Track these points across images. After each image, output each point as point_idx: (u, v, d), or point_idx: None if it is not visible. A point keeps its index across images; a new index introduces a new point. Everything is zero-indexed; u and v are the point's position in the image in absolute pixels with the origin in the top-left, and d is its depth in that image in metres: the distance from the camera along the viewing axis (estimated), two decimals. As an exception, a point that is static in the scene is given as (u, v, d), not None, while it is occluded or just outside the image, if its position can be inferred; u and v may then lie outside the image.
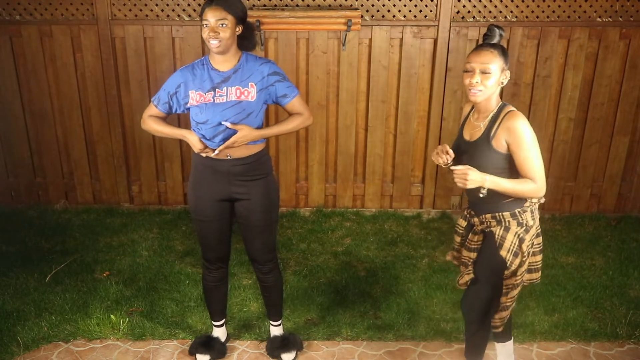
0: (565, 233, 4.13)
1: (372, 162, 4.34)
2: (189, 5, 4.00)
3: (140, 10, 4.03)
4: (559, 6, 3.95)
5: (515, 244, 2.20)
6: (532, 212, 2.24)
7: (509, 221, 2.21)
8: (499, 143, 2.14)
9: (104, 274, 3.53)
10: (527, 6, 3.95)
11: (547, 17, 3.98)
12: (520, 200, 2.21)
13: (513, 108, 2.18)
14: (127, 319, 3.06)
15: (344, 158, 4.33)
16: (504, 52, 2.13)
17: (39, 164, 4.42)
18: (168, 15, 4.03)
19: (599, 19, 3.97)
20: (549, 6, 3.95)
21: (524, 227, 2.22)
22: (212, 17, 2.29)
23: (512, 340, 2.61)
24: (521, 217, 2.21)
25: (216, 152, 2.39)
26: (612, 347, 2.92)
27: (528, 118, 4.21)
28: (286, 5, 3.99)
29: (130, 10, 4.03)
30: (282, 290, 2.80)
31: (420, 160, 4.34)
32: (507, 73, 2.16)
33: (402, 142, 4.28)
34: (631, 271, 3.58)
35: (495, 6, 3.96)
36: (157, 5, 4.01)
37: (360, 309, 3.20)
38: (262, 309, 3.16)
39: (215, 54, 2.39)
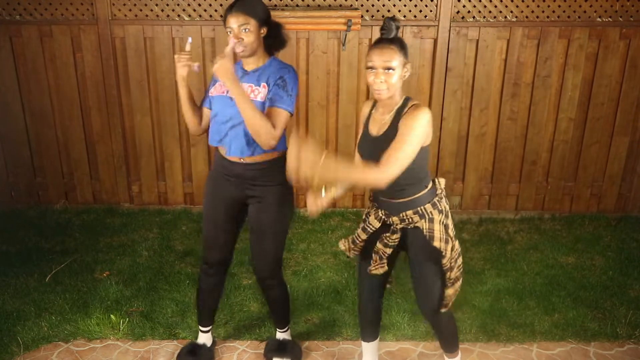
0: (565, 233, 4.13)
1: (372, 162, 4.33)
2: (189, 5, 4.00)
3: (140, 10, 4.03)
4: (559, 6, 3.95)
5: (443, 232, 2.21)
6: (444, 197, 2.28)
7: (431, 212, 2.21)
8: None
9: (104, 274, 3.53)
10: (527, 6, 3.95)
11: (547, 17, 3.97)
12: (433, 189, 2.23)
13: (418, 102, 2.18)
14: (127, 319, 3.06)
15: (344, 158, 4.32)
16: (402, 46, 2.10)
17: (39, 164, 4.42)
18: (168, 15, 4.03)
19: (599, 19, 3.97)
20: (549, 6, 3.95)
21: (444, 213, 2.24)
22: (234, 23, 2.25)
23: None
24: (440, 205, 2.23)
25: (226, 173, 2.34)
26: (612, 347, 2.92)
27: (528, 118, 4.25)
28: (286, 5, 3.99)
29: (130, 10, 4.03)
30: (289, 304, 2.74)
31: (420, 160, 4.34)
32: (409, 66, 2.13)
33: (402, 142, 4.27)
34: (631, 271, 3.58)
35: (495, 6, 3.96)
36: (157, 5, 4.01)
37: (360, 309, 3.20)
38: (263, 309, 3.17)
39: (241, 58, 2.36)
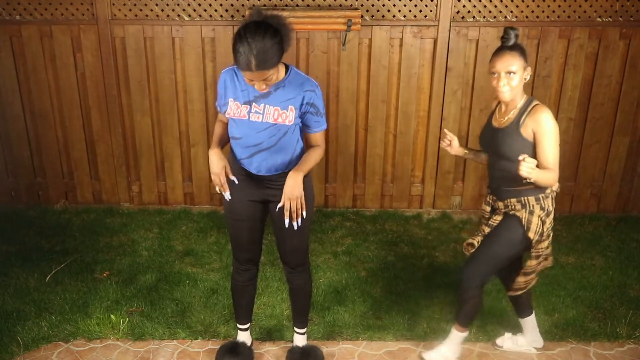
0: (565, 233, 4.13)
1: (372, 162, 4.34)
2: (189, 5, 4.00)
3: (140, 10, 4.03)
4: (559, 6, 3.95)
5: (539, 226, 2.45)
6: (552, 198, 2.51)
7: (533, 205, 2.45)
8: (527, 131, 2.36)
9: (104, 274, 3.53)
10: (527, 6, 3.95)
11: (547, 17, 3.97)
12: (542, 187, 2.45)
13: (539, 102, 2.41)
14: (127, 319, 3.06)
15: (344, 158, 4.33)
16: (522, 51, 2.34)
17: (39, 164, 4.42)
18: (168, 15, 4.03)
19: (599, 19, 3.97)
20: (549, 6, 3.95)
21: (545, 211, 2.46)
22: (256, 78, 2.16)
23: (533, 314, 2.84)
24: (543, 202, 2.46)
25: (243, 173, 2.37)
26: (612, 347, 2.92)
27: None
28: (286, 5, 3.99)
29: (130, 10, 4.03)
30: (310, 297, 2.74)
31: (420, 160, 4.34)
32: (529, 69, 2.38)
33: (402, 142, 4.28)
34: (631, 271, 3.58)
35: (495, 6, 3.95)
36: (157, 5, 4.01)
37: (361, 309, 3.20)
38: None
39: None
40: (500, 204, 2.52)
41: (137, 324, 3.04)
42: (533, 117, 2.35)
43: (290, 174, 2.30)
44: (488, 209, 2.61)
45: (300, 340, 2.80)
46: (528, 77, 2.38)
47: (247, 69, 2.11)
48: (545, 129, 2.33)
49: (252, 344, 2.89)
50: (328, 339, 2.97)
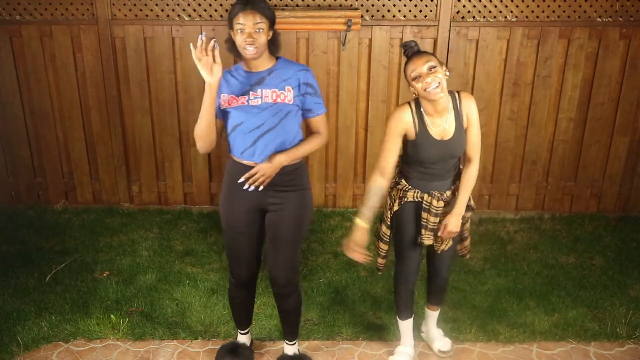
0: (565, 233, 4.13)
1: (372, 162, 4.33)
2: (189, 5, 4.00)
3: (140, 10, 4.03)
4: (559, 6, 3.95)
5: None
6: None
7: None
8: (465, 119, 2.42)
9: (104, 274, 3.53)
10: (527, 6, 3.95)
11: (547, 17, 3.97)
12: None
13: (457, 89, 2.46)
14: (127, 319, 3.07)
15: (344, 158, 4.33)
16: (431, 53, 2.42)
17: (39, 164, 4.42)
18: (168, 15, 4.03)
19: (599, 19, 3.97)
20: (549, 6, 3.95)
21: None
22: (248, 21, 2.19)
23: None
24: None
25: (243, 182, 2.34)
26: (612, 347, 2.92)
27: (528, 118, 4.27)
28: (286, 5, 3.99)
29: (130, 10, 4.03)
30: (301, 314, 2.70)
31: (420, 160, 4.34)
32: (444, 67, 2.31)
33: (402, 142, 4.28)
34: (631, 271, 3.58)
35: (495, 6, 3.95)
36: (157, 5, 4.01)
37: (360, 309, 3.20)
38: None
39: (249, 60, 2.30)
40: (448, 193, 2.50)
41: (137, 324, 3.04)
42: (465, 102, 2.40)
43: (278, 155, 2.32)
44: (442, 204, 2.48)
45: (290, 349, 2.76)
46: (448, 74, 2.31)
47: (242, 8, 2.20)
48: (475, 111, 2.40)
49: (252, 344, 2.89)
50: (328, 339, 2.97)
